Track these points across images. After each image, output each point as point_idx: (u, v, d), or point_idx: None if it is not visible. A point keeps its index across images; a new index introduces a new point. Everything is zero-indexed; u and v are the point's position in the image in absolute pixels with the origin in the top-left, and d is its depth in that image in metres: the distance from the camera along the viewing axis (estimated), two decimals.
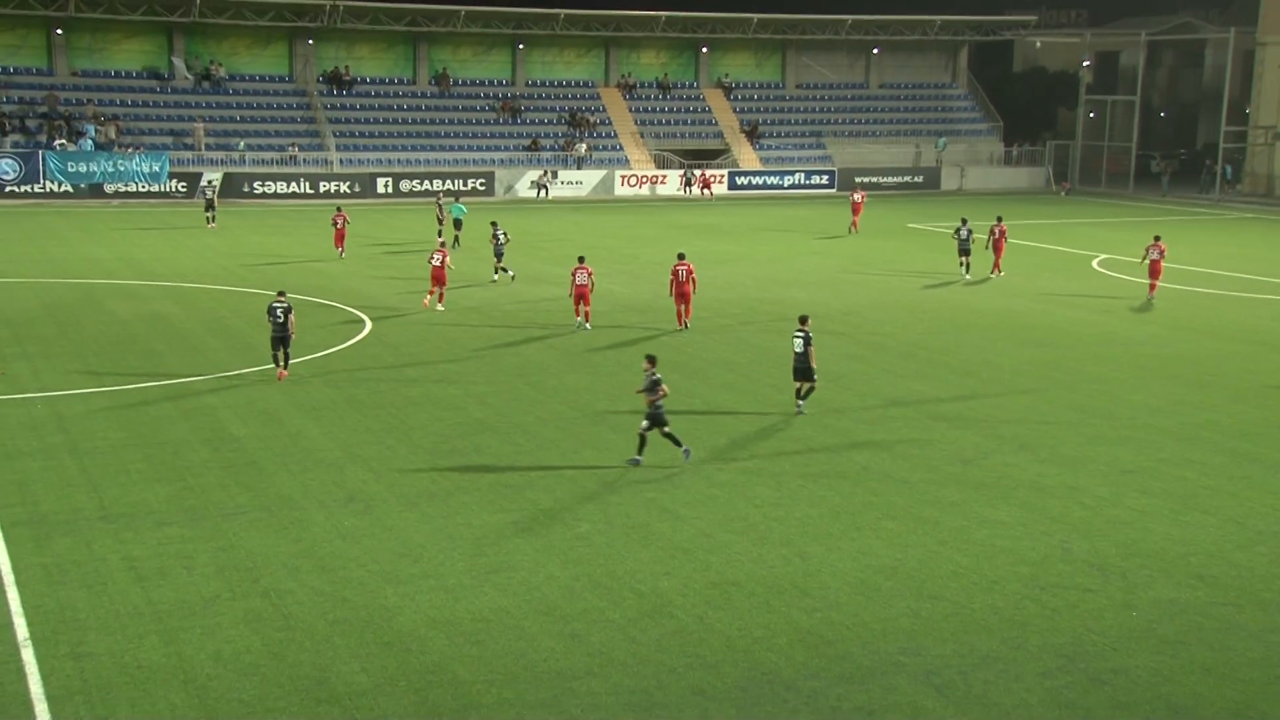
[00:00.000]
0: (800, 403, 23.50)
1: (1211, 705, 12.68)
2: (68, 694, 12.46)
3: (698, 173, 71.60)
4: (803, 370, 23.32)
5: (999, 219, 42.65)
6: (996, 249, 41.10)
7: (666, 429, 20.12)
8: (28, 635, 13.68)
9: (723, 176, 73.05)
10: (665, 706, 12.46)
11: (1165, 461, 20.80)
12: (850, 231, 53.97)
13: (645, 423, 20.11)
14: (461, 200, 51.81)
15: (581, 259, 32.02)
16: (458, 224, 46.68)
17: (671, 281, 31.35)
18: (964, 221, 42.15)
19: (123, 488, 18.62)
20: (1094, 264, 45.51)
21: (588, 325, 31.30)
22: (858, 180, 73.81)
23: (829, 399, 24.44)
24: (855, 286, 38.87)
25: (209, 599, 14.73)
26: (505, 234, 39.02)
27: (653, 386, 19.91)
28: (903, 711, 12.43)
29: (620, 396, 24.44)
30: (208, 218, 51.51)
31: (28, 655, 13.21)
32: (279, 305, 25.38)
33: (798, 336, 23.27)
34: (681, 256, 31.86)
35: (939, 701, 12.62)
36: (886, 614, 14.63)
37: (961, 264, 41.41)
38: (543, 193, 68.79)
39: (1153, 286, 37.13)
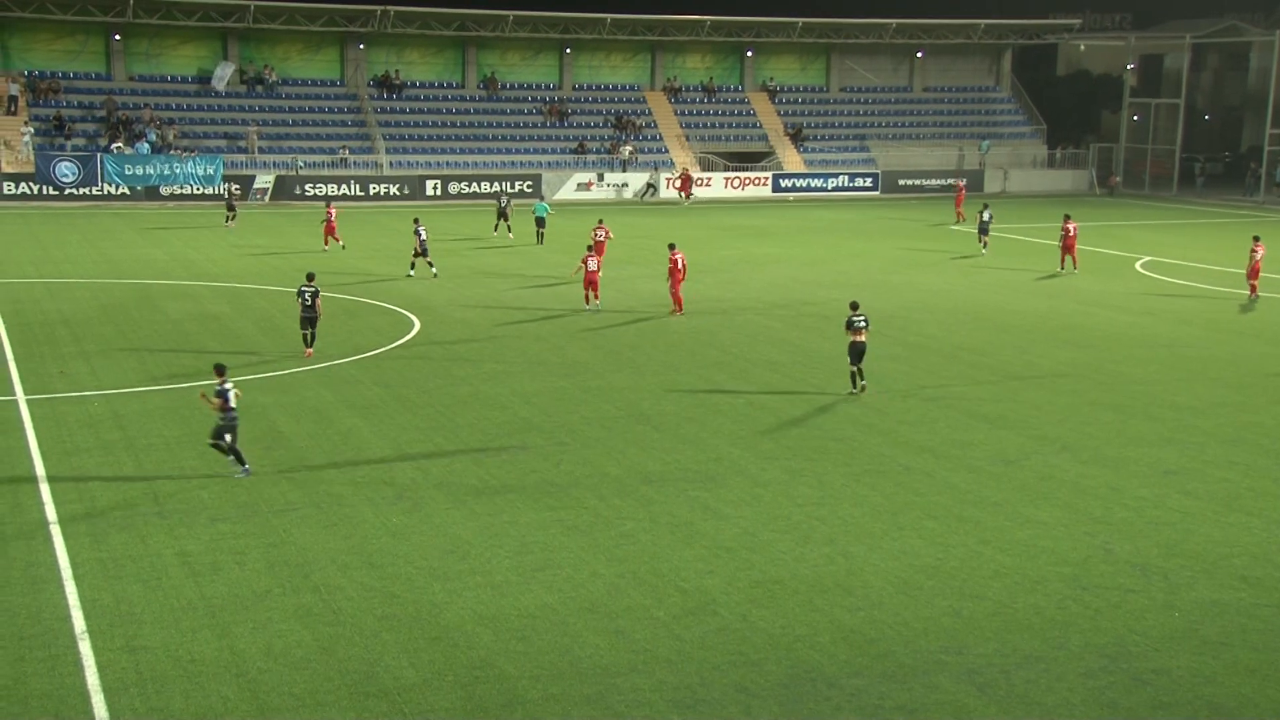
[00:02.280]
0: (864, 382, 25.00)
1: (1255, 706, 12.68)
2: (123, 686, 12.74)
3: (670, 173, 70.48)
4: (863, 353, 24.83)
5: (1067, 217, 44.34)
6: (1069, 247, 43.14)
7: (218, 442, 19.21)
8: (85, 628, 14.00)
9: (767, 179, 73.08)
10: (709, 703, 12.61)
11: (1208, 463, 20.75)
12: (958, 221, 58.24)
13: (228, 437, 19.18)
14: (546, 201, 53.45)
15: (590, 247, 34.49)
16: (540, 222, 48.96)
17: (671, 270, 33.42)
18: (985, 207, 49.28)
19: (177, 484, 19.00)
20: (1137, 266, 45.22)
21: (587, 307, 33.92)
22: (900, 182, 74.23)
23: (871, 400, 24.54)
24: (898, 288, 38.85)
25: (261, 594, 15.02)
26: (426, 232, 40.23)
27: (220, 395, 19.08)
28: (945, 710, 12.52)
29: (664, 397, 24.63)
30: (227, 217, 52.45)
31: (85, 648, 13.53)
32: (307, 289, 27.57)
33: (861, 319, 24.73)
34: (673, 247, 33.94)
35: (981, 700, 12.70)
36: (929, 613, 14.72)
37: (981, 243, 47.92)
38: (651, 193, 70.15)
39: (1253, 288, 37.48)
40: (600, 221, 41.40)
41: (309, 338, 27.98)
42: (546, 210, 49.65)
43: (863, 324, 24.77)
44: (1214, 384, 26.47)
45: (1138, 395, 25.42)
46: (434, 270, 39.63)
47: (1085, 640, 14.06)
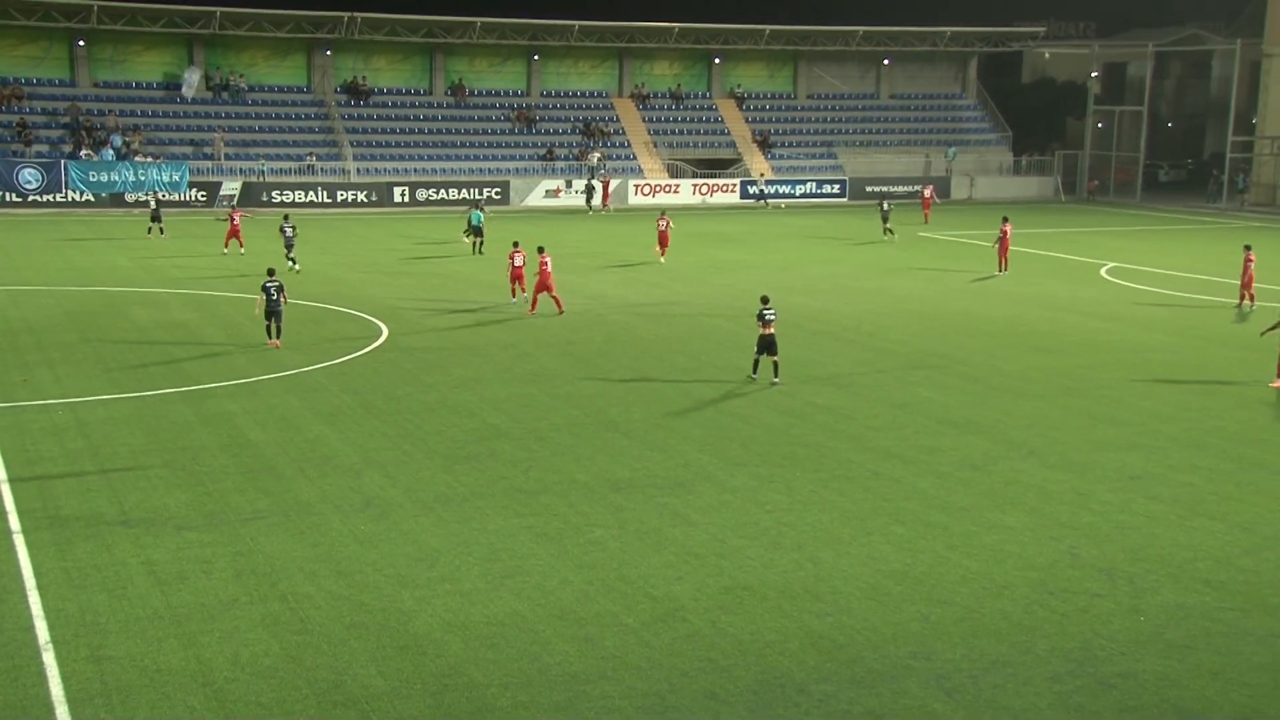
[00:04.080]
0: (776, 378, 26.34)
1: (1219, 709, 12.77)
2: (88, 697, 12.61)
3: (597, 180, 69.17)
4: (773, 345, 26.13)
5: (1005, 219, 45.65)
6: (1002, 248, 44.31)
7: None
8: (49, 639, 13.84)
9: (735, 185, 73.27)
10: (678, 709, 12.60)
11: (1173, 467, 20.92)
12: (924, 223, 61.50)
13: None
14: (484, 208, 51.50)
15: (516, 244, 36.38)
16: (478, 231, 47.38)
17: (541, 273, 33.96)
18: (884, 200, 58.47)
19: (143, 493, 18.85)
20: (1102, 272, 45.61)
21: (514, 301, 35.62)
22: (868, 189, 74.89)
23: (839, 405, 24.63)
24: (866, 294, 39.03)
25: (227, 603, 14.91)
26: (294, 228, 42.72)
27: None
28: (913, 715, 12.54)
29: (633, 403, 24.64)
30: (157, 228, 50.56)
31: (49, 658, 13.38)
32: (271, 284, 29.01)
33: (770, 312, 26.06)
34: (542, 250, 34.72)
35: (949, 705, 12.75)
36: (897, 618, 14.76)
37: (885, 230, 54.45)
38: (765, 203, 70.96)
39: (1250, 296, 37.43)
40: (663, 213, 48.18)
41: (274, 330, 29.16)
42: (481, 218, 47.78)
43: (772, 317, 26.06)
44: (1179, 389, 26.70)
45: (1104, 400, 25.62)
46: (293, 267, 41.50)
47: (1052, 645, 14.14)
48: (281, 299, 29.00)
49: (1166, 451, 21.87)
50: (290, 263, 41.67)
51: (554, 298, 34.17)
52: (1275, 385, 26.67)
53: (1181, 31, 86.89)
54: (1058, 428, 23.36)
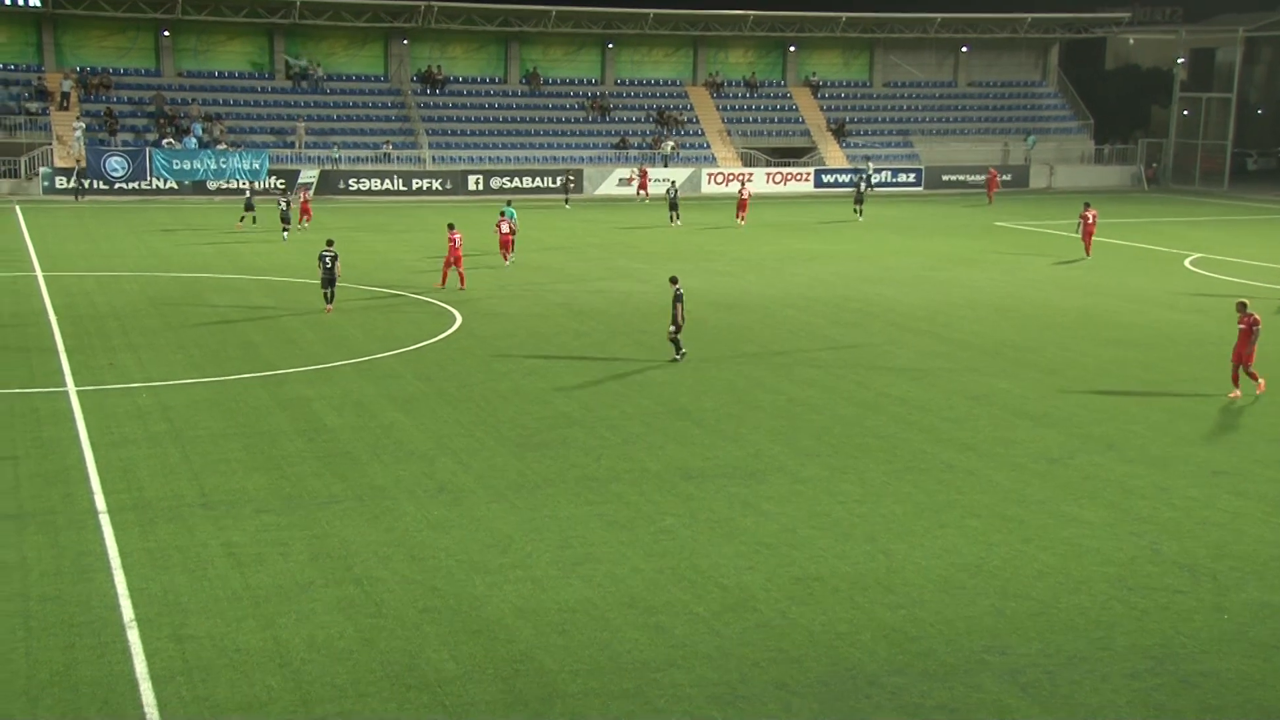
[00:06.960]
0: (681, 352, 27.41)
1: None
2: (170, 675, 12.86)
3: (635, 170, 67.91)
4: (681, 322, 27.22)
5: (1086, 204, 46.11)
6: (1086, 234, 44.81)
7: None
8: (133, 617, 14.15)
9: (809, 174, 72.82)
10: (748, 699, 12.59)
11: (1258, 463, 20.47)
12: (988, 203, 65.46)
13: None
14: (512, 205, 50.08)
15: (502, 212, 40.90)
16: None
17: (451, 250, 36.01)
18: (868, 179, 65.09)
19: (223, 476, 19.17)
20: (1186, 263, 44.74)
21: (506, 263, 40.24)
22: (944, 178, 74.27)
23: (913, 396, 24.41)
24: (942, 285, 38.62)
25: (304, 585, 15.12)
26: (289, 203, 47.87)
27: None
28: (987, 710, 12.42)
29: (704, 392, 24.60)
30: (249, 217, 50.42)
31: (133, 636, 13.67)
32: (327, 254, 31.75)
33: (679, 290, 26.95)
34: (452, 227, 36.71)
35: (1024, 701, 12.60)
36: (971, 612, 14.61)
37: (855, 210, 57.62)
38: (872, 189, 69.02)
39: None
40: (743, 183, 56.07)
41: (329, 295, 31.96)
42: (513, 215, 43.58)
43: (680, 294, 26.95)
44: (1266, 383, 26.08)
45: (1186, 394, 25.15)
46: (285, 236, 46.71)
47: (1131, 641, 13.92)
48: (336, 267, 31.79)
49: (1252, 446, 21.43)
50: (284, 231, 47.01)
51: (460, 274, 36.12)
52: (1233, 395, 24.95)
53: (1272, 15, 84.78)
54: (1137, 421, 22.97)
